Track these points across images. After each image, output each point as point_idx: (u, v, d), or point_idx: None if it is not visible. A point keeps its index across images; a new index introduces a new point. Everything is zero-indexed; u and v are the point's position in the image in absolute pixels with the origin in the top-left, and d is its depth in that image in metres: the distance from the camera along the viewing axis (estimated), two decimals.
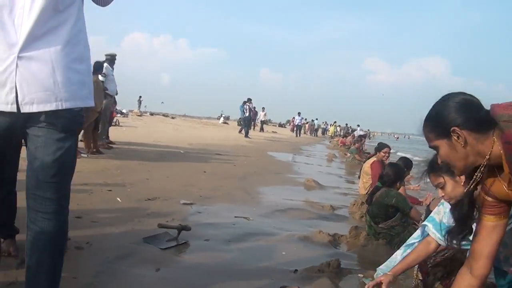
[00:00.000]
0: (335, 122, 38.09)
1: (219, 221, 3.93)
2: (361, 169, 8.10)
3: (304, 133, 34.05)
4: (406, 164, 4.77)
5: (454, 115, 1.37)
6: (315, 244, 3.52)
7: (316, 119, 39.24)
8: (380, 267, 2.66)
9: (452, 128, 1.36)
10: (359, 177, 7.45)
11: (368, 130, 44.19)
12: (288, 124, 54.06)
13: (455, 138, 1.36)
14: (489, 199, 1.45)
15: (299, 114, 28.57)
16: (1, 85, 1.52)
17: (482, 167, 1.39)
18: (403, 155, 9.66)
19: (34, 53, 1.52)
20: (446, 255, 2.40)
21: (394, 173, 3.67)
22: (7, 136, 1.64)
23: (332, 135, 34.25)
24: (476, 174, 1.42)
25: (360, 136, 16.10)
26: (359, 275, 2.86)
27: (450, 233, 1.61)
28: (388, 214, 3.49)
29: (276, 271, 2.80)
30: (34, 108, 1.53)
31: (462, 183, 1.44)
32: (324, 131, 40.79)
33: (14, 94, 1.51)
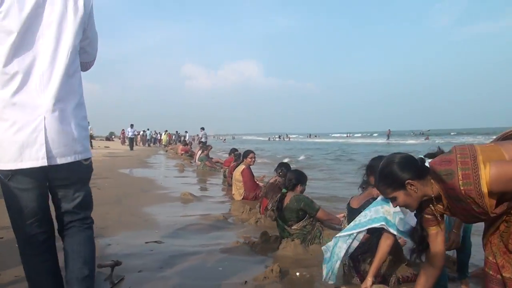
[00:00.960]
0: (166, 131, 38.07)
1: (136, 250, 3.86)
2: (226, 176, 8.65)
3: (136, 144, 33.13)
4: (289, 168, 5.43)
5: (404, 171, 1.94)
6: (239, 254, 3.81)
7: (148, 129, 38.47)
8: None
9: (407, 182, 1.93)
10: (230, 184, 7.94)
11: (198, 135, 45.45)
12: (113, 137, 51.65)
13: (409, 187, 1.93)
14: (430, 217, 2.07)
15: (131, 126, 27.62)
16: (31, 144, 1.73)
17: (433, 202, 1.98)
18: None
19: (57, 113, 1.78)
20: (370, 243, 2.99)
21: (296, 177, 4.18)
22: (42, 190, 1.89)
23: (166, 144, 34.21)
24: (429, 208, 2.02)
25: (204, 143, 16.70)
26: (297, 273, 3.27)
27: (415, 252, 2.18)
28: (299, 217, 3.96)
29: (228, 285, 3.01)
30: (58, 161, 1.79)
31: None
32: (155, 140, 40.31)
33: (44, 150, 1.74)
